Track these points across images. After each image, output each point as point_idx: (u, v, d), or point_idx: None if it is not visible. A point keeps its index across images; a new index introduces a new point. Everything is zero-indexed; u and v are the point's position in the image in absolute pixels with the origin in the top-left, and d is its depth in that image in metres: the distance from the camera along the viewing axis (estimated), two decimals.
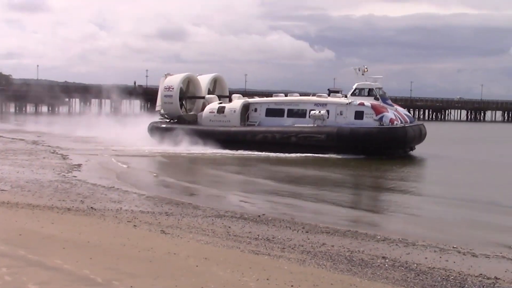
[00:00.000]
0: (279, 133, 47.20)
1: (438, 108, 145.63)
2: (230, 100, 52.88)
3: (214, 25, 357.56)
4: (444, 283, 13.72)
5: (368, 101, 46.45)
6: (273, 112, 49.29)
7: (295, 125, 47.51)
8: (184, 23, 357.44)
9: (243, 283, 11.81)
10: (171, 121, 52.96)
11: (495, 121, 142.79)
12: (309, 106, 48.27)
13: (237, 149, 47.13)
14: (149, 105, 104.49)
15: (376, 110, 46.00)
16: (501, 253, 17.44)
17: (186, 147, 48.11)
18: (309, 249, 16.70)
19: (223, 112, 49.89)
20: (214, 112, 50.26)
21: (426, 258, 16.34)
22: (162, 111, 53.68)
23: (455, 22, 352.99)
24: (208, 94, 54.58)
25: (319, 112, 47.00)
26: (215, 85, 56.78)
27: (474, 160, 47.79)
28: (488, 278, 14.38)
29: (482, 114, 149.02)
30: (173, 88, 52.29)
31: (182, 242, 16.04)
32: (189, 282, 11.60)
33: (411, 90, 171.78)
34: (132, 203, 23.65)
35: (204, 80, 55.52)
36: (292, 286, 11.94)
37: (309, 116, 47.49)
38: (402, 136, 45.77)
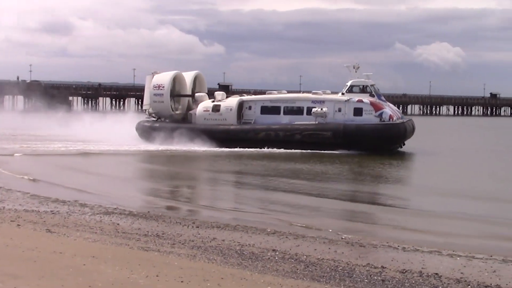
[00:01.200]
0: (282, 130, 47.47)
1: None
2: (211, 98, 51.95)
3: (102, 19, 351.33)
4: (333, 274, 13.90)
5: (365, 98, 47.26)
6: (269, 109, 49.14)
7: (298, 123, 47.56)
8: (70, 17, 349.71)
9: (132, 281, 11.55)
10: (160, 120, 51.90)
11: None
12: (306, 103, 48.40)
13: (234, 147, 47.03)
14: (33, 100, 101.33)
15: (375, 106, 46.96)
16: (387, 242, 17.87)
17: (182, 145, 47.89)
18: (199, 244, 16.57)
19: (218, 110, 49.12)
20: (209, 111, 49.41)
21: (315, 249, 16.54)
22: (150, 110, 52.41)
23: (343, 17, 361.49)
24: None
25: (321, 109, 47.21)
26: (195, 83, 55.59)
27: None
28: (375, 267, 14.69)
29: None
30: (163, 87, 50.90)
31: (69, 241, 15.56)
32: (75, 281, 11.23)
33: (300, 84, 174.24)
34: (16, 201, 22.81)
35: (187, 78, 54.34)
36: (182, 281, 11.78)
37: (310, 113, 47.53)
38: (403, 132, 47.38)
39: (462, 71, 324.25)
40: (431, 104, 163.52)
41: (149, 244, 16.11)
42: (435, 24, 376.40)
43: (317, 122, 47.12)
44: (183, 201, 25.73)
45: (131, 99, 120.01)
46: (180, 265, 13.47)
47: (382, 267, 14.77)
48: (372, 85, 48.77)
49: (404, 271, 14.48)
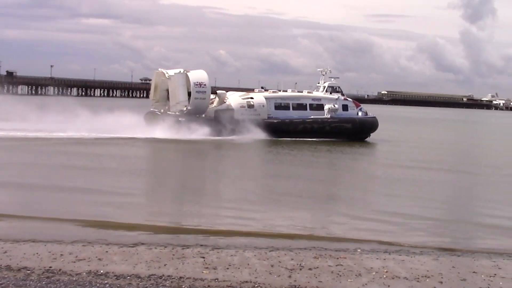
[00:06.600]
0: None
1: None
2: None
3: None
4: None
5: (347, 97, 60.19)
6: (281, 106, 56.92)
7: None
8: None
9: None
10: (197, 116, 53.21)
11: None
12: (308, 100, 57.70)
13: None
14: None
15: (355, 104, 59.77)
16: None
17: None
18: None
19: (253, 106, 55.26)
20: (245, 107, 55.13)
21: None
22: (185, 108, 52.86)
23: None
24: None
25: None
26: None
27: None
28: None
29: None
30: (205, 85, 53.67)
31: None
32: None
33: None
34: None
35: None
36: None
37: (311, 109, 56.96)
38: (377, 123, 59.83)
39: None
40: None
41: None
42: None
43: (329, 116, 56.58)
44: None
45: None
46: None
47: None
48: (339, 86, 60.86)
49: None
